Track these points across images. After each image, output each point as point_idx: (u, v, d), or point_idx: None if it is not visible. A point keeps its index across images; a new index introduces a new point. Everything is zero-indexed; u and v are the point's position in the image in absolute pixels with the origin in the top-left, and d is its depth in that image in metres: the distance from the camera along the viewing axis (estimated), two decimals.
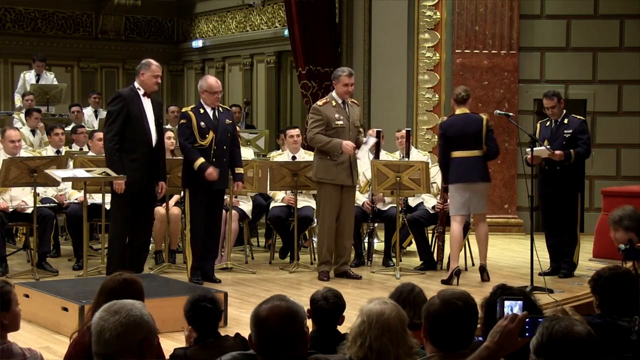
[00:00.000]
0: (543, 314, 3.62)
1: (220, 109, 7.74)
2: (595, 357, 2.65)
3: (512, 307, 3.53)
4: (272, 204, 8.87)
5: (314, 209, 8.70)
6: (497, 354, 2.75)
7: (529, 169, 7.97)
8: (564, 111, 8.09)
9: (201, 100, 7.69)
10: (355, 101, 8.24)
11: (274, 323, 2.76)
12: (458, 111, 7.81)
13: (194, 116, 7.57)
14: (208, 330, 4.09)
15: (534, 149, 7.74)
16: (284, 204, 8.77)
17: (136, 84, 7.45)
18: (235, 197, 8.62)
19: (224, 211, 8.35)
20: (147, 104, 7.39)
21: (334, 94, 7.91)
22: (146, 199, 7.40)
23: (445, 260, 8.33)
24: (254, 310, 2.83)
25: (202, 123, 7.55)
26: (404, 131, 9.04)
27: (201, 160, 7.48)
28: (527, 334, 3.05)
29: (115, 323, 2.68)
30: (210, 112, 7.63)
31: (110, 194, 7.45)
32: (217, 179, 7.47)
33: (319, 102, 8.02)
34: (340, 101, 7.86)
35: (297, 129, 9.20)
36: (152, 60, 7.53)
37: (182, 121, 7.66)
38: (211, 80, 7.80)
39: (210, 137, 7.55)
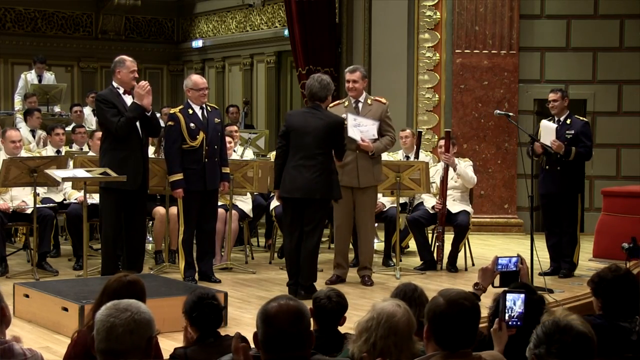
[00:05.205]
0: (544, 306, 3.68)
1: (209, 107, 7.66)
2: (592, 350, 2.67)
3: (515, 300, 3.60)
4: (273, 203, 8.80)
5: None
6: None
7: (529, 169, 7.97)
8: (567, 111, 8.08)
9: (188, 100, 7.61)
10: (380, 99, 7.84)
11: (283, 320, 2.78)
12: None
13: (182, 118, 7.47)
14: (211, 329, 4.06)
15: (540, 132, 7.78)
16: None
17: (114, 84, 7.40)
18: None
19: (224, 211, 8.34)
20: (129, 101, 7.30)
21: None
22: (139, 197, 7.35)
23: (445, 260, 8.34)
24: (262, 308, 2.84)
25: (192, 124, 7.46)
26: (408, 131, 9.02)
27: (179, 176, 7.42)
28: (518, 323, 3.54)
29: (128, 319, 2.68)
30: (199, 112, 7.53)
31: (99, 195, 7.40)
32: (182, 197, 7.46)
33: (331, 104, 7.94)
34: (353, 102, 7.77)
35: None
36: (125, 57, 7.48)
37: (169, 123, 7.56)
38: (195, 77, 7.77)
39: (200, 137, 7.47)
